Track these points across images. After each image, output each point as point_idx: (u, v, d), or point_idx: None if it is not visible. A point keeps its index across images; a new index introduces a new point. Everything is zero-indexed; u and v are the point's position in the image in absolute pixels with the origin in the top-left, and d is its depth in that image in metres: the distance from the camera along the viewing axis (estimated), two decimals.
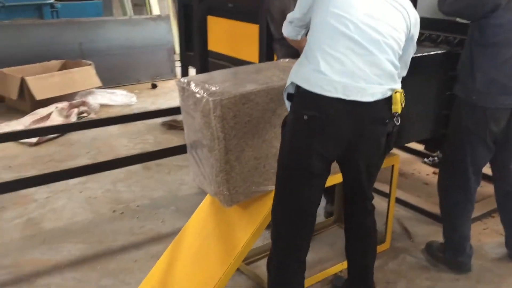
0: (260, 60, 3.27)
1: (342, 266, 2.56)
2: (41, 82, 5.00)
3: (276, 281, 2.08)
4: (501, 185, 2.67)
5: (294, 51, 2.60)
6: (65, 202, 3.33)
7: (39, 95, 4.91)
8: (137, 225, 3.07)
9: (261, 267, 2.52)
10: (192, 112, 2.16)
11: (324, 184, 2.02)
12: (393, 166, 2.67)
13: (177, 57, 6.11)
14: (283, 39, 2.41)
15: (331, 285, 2.52)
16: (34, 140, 4.21)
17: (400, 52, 1.94)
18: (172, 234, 2.70)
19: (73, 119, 4.74)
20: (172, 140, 4.33)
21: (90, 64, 5.48)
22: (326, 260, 2.72)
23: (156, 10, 7.90)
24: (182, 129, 2.40)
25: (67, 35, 5.78)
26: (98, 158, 3.93)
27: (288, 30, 2.20)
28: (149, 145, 4.28)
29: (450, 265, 2.67)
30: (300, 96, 1.89)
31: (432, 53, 2.73)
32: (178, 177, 3.69)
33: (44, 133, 3.92)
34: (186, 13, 4.51)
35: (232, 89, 2.07)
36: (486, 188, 3.22)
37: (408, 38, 1.97)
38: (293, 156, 1.94)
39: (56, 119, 4.65)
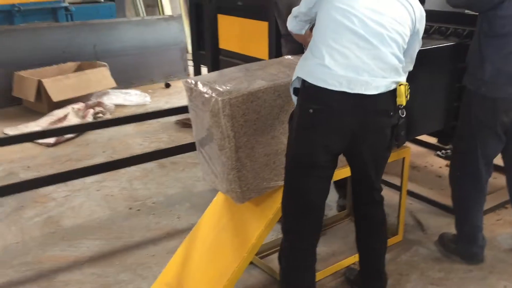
0: (270, 57, 3.30)
1: (354, 258, 2.59)
2: (58, 84, 5.11)
3: (287, 271, 2.13)
4: None
5: (299, 48, 2.62)
6: (83, 200, 3.42)
7: (55, 97, 5.01)
8: (153, 221, 3.14)
9: (275, 261, 2.55)
10: (201, 112, 2.21)
11: (331, 176, 2.06)
12: (404, 158, 2.69)
13: (189, 56, 6.18)
14: (289, 34, 2.44)
15: (344, 277, 2.55)
16: (51, 140, 4.31)
17: (405, 46, 1.96)
18: (187, 230, 2.76)
19: (89, 119, 4.83)
20: (186, 138, 4.39)
21: (104, 65, 5.57)
22: (339, 253, 2.76)
23: (168, 11, 7.97)
24: None
25: (82, 37, 5.87)
26: (114, 157, 4.00)
27: (292, 24, 2.24)
28: (164, 144, 4.34)
29: (462, 256, 2.68)
30: (306, 90, 1.93)
31: (441, 45, 2.74)
32: (193, 174, 3.75)
33: (61, 133, 4.01)
34: (198, 13, 4.56)
35: (240, 88, 2.11)
36: (500, 180, 3.21)
37: (414, 32, 1.99)
38: (299, 149, 1.98)
39: (73, 120, 4.74)
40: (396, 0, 1.91)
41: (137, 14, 7.75)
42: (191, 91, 2.25)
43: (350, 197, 3.05)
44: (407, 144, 2.82)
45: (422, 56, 2.33)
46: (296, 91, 2.01)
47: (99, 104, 5.18)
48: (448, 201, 2.94)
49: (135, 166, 3.66)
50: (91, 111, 4.99)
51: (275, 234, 2.78)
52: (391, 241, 2.78)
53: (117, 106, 5.35)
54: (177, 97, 5.78)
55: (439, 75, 2.78)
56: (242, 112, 2.09)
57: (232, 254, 2.28)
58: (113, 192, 3.54)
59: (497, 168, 2.90)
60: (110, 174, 3.67)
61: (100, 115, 5.02)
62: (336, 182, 3.04)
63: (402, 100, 1.93)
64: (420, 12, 1.99)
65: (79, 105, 5.01)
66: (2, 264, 2.73)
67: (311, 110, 1.90)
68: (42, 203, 3.39)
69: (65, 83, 5.17)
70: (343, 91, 1.85)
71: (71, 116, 4.81)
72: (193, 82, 2.24)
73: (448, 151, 3.93)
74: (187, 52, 6.64)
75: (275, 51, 3.26)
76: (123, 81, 5.87)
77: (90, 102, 5.16)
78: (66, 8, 6.51)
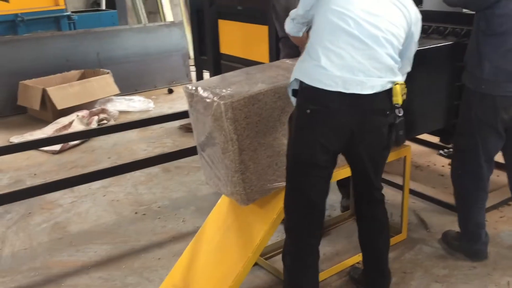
0: (271, 60, 3.34)
1: (358, 257, 2.61)
2: (62, 92, 5.17)
3: (291, 269, 2.15)
4: None
5: (295, 53, 2.64)
6: (89, 206, 3.46)
7: (60, 105, 5.07)
8: (159, 225, 3.17)
9: (279, 262, 2.57)
10: (202, 117, 2.24)
11: (331, 175, 2.09)
12: (405, 157, 2.71)
13: (191, 61, 6.23)
14: (286, 38, 2.48)
15: (348, 276, 2.57)
16: (57, 148, 4.36)
17: (400, 47, 2.00)
18: (193, 233, 2.79)
19: (94, 126, 4.88)
20: (189, 142, 4.40)
21: (108, 73, 5.63)
22: (343, 252, 2.78)
23: (169, 17, 8.04)
24: None
25: (85, 46, 5.93)
26: (119, 162, 4.02)
27: (290, 27, 2.28)
28: (168, 148, 4.38)
29: (466, 253, 2.70)
30: (303, 91, 1.97)
31: (440, 45, 2.77)
32: (197, 178, 3.78)
33: (66, 139, 4.06)
34: (199, 19, 4.61)
35: (241, 91, 2.14)
36: (502, 177, 3.22)
37: (409, 35, 2.03)
38: (299, 149, 2.02)
39: (78, 127, 4.79)
40: (392, 3, 1.96)
41: (139, 21, 7.82)
42: (192, 96, 2.28)
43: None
44: (408, 142, 2.85)
45: (421, 56, 2.36)
46: (294, 92, 2.05)
47: (103, 111, 5.23)
48: (451, 199, 2.96)
49: (139, 171, 3.71)
50: (96, 118, 5.04)
51: (280, 235, 2.80)
52: (395, 239, 2.81)
53: (121, 112, 5.41)
54: (180, 102, 5.83)
55: (439, 75, 2.81)
56: (244, 115, 2.12)
57: (237, 255, 2.31)
58: (118, 197, 3.58)
59: (499, 166, 2.92)
60: (115, 179, 3.71)
61: (105, 121, 5.07)
62: (339, 182, 3.07)
63: (398, 99, 1.96)
64: (415, 15, 2.03)
65: (84, 113, 5.07)
66: (11, 270, 2.77)
67: (308, 111, 1.94)
68: (49, 209, 3.43)
69: (69, 91, 5.22)
70: (339, 91, 1.89)
71: (75, 123, 4.86)
72: (194, 87, 2.28)
73: (451, 150, 3.94)
74: (189, 57, 6.70)
75: (276, 55, 3.30)
76: (127, 87, 5.93)
77: (94, 109, 5.21)
78: (68, 17, 6.59)
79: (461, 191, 2.69)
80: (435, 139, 3.93)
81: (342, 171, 2.39)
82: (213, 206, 2.66)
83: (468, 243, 2.68)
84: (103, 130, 4.06)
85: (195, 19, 4.73)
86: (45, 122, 5.03)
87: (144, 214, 3.33)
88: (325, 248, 2.78)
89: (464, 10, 2.84)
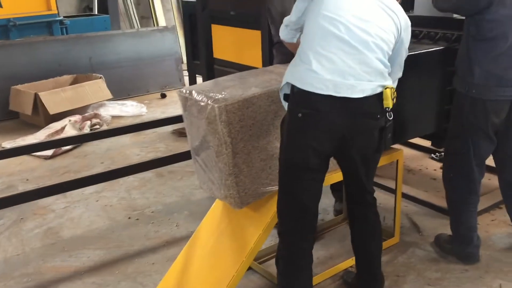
0: (264, 65, 3.36)
1: (352, 261, 2.62)
2: (54, 97, 5.15)
3: (284, 273, 2.16)
4: (505, 176, 2.70)
5: (289, 59, 2.66)
6: (82, 211, 3.45)
7: (52, 110, 5.05)
8: (153, 230, 3.17)
9: (273, 266, 2.59)
10: (196, 120, 2.25)
11: (323, 179, 2.11)
12: (397, 161, 2.73)
13: (184, 66, 6.24)
14: (280, 43, 2.50)
15: (342, 280, 2.58)
16: (49, 153, 4.34)
17: (390, 53, 2.03)
18: (187, 238, 2.79)
19: (86, 131, 4.85)
20: (183, 147, 4.42)
21: (100, 77, 5.62)
22: (336, 256, 2.79)
23: (162, 22, 8.04)
24: None
25: (77, 50, 5.92)
26: (112, 167, 4.02)
27: (284, 33, 2.30)
28: (161, 153, 4.37)
29: (458, 256, 2.72)
30: (294, 95, 2.00)
31: (431, 49, 2.80)
32: (190, 183, 3.78)
33: (59, 145, 4.04)
34: (192, 23, 4.63)
35: (235, 95, 2.16)
36: (494, 180, 3.25)
37: (399, 41, 2.05)
38: (290, 153, 2.04)
39: (70, 132, 4.78)
40: (381, 9, 1.99)
41: (132, 26, 7.82)
42: (186, 100, 2.29)
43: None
44: (399, 146, 2.88)
45: (412, 61, 2.39)
46: (286, 97, 2.07)
47: (96, 115, 5.22)
48: (443, 203, 2.98)
49: (133, 175, 3.69)
50: (88, 123, 5.03)
51: (273, 239, 2.81)
52: (387, 243, 2.82)
53: (114, 117, 5.40)
54: (173, 107, 5.83)
55: (430, 79, 2.84)
56: (238, 118, 2.14)
57: (231, 259, 2.32)
58: (111, 202, 3.57)
59: (491, 169, 2.95)
60: (108, 184, 3.70)
61: (97, 126, 5.06)
62: (332, 186, 3.09)
63: (388, 103, 1.98)
64: (405, 22, 2.06)
65: (76, 118, 5.05)
66: (4, 276, 2.75)
67: (300, 115, 1.96)
68: (42, 214, 3.41)
69: (62, 96, 5.21)
70: (329, 95, 1.91)
71: (68, 128, 4.84)
72: (188, 91, 2.29)
73: (442, 153, 3.98)
74: (182, 62, 6.71)
75: (269, 59, 3.32)
76: (119, 92, 5.92)
77: (86, 114, 5.20)
78: (61, 22, 6.57)
79: (453, 194, 2.71)
80: (426, 143, 3.96)
81: (335, 175, 2.41)
82: (206, 210, 2.66)
83: (460, 246, 2.71)
84: (96, 135, 4.04)
85: (188, 23, 4.74)
86: (37, 127, 5.01)
87: (137, 219, 3.32)
88: (318, 252, 2.79)
89: (455, 16, 2.88)
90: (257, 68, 3.22)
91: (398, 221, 2.87)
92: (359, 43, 1.94)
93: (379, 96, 1.97)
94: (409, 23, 2.09)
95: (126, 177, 3.67)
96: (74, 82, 5.63)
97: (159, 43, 6.50)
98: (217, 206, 2.60)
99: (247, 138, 2.19)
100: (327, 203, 3.27)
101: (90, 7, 7.79)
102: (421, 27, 2.94)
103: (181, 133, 4.77)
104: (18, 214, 3.38)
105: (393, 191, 2.98)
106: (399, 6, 2.06)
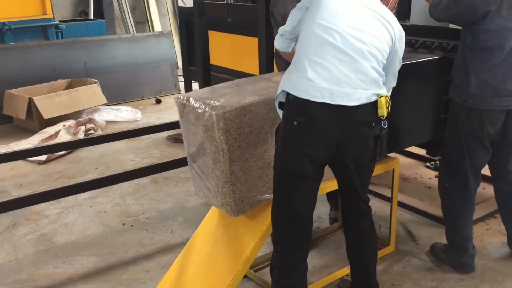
0: (261, 72, 3.36)
1: (347, 270, 2.60)
2: (48, 102, 5.12)
3: (279, 282, 2.14)
4: (500, 185, 2.72)
5: None
6: (76, 217, 3.42)
7: (46, 114, 5.03)
8: (147, 237, 3.15)
9: (268, 274, 2.58)
10: (193, 127, 2.24)
11: (318, 187, 2.10)
12: (393, 169, 2.74)
13: (180, 72, 6.23)
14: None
15: None
16: (43, 158, 4.31)
17: (384, 62, 2.04)
18: (181, 244, 2.78)
19: (81, 136, 4.83)
20: (178, 153, 4.41)
21: (95, 82, 5.60)
22: (332, 264, 2.79)
23: (158, 27, 8.04)
24: None
25: (72, 55, 5.91)
26: (106, 173, 4.00)
27: (279, 43, 2.31)
28: (156, 159, 4.36)
29: (453, 266, 2.72)
30: (290, 103, 2.00)
31: (427, 59, 2.81)
32: (185, 189, 3.77)
33: (52, 150, 4.02)
34: (188, 29, 4.63)
35: (233, 102, 2.16)
36: (489, 190, 3.26)
37: (393, 50, 2.07)
38: (286, 161, 2.03)
39: (64, 137, 4.75)
40: (376, 19, 2.00)
41: (127, 31, 7.81)
42: (183, 107, 2.29)
43: None
44: (395, 155, 2.88)
45: (408, 70, 2.40)
46: (281, 105, 2.07)
47: (90, 120, 5.19)
48: (438, 212, 2.99)
49: (127, 182, 3.67)
50: (82, 128, 5.00)
51: (269, 247, 2.80)
52: (383, 252, 2.82)
53: (108, 122, 5.38)
54: (168, 112, 5.82)
55: (426, 88, 2.85)
56: (236, 125, 2.13)
57: (226, 267, 2.30)
58: (106, 208, 3.54)
59: (486, 179, 2.96)
60: (103, 190, 3.68)
61: (92, 131, 5.04)
62: (328, 194, 3.08)
63: (383, 111, 1.99)
64: (399, 32, 2.08)
65: (70, 122, 5.03)
66: None
67: (295, 123, 1.96)
68: (35, 220, 3.38)
69: (56, 101, 5.18)
70: (325, 103, 1.92)
71: (62, 133, 4.81)
72: (185, 98, 2.28)
73: (437, 162, 3.99)
74: (178, 68, 6.70)
75: (266, 66, 3.32)
76: (114, 97, 5.90)
77: (81, 119, 5.17)
78: (56, 26, 6.54)
79: (448, 203, 2.72)
80: (421, 151, 3.97)
81: (332, 183, 2.40)
82: (201, 217, 2.65)
83: (456, 255, 2.71)
84: (90, 141, 4.02)
85: (184, 29, 4.75)
86: (31, 132, 4.98)
87: (131, 226, 3.30)
88: (314, 260, 2.79)
89: (451, 25, 2.89)
90: (254, 75, 3.22)
91: (393, 230, 2.87)
92: (354, 51, 1.95)
93: (374, 105, 1.98)
94: (403, 33, 2.11)
95: (121, 183, 3.65)
96: (69, 86, 5.61)
97: (155, 48, 6.50)
98: (213, 213, 2.59)
99: (244, 146, 2.18)
100: (322, 211, 3.26)
101: (86, 12, 7.77)
102: (417, 36, 2.96)
103: (176, 139, 4.76)
104: (11, 219, 3.35)
105: (388, 199, 2.98)
106: (394, 17, 2.08)
